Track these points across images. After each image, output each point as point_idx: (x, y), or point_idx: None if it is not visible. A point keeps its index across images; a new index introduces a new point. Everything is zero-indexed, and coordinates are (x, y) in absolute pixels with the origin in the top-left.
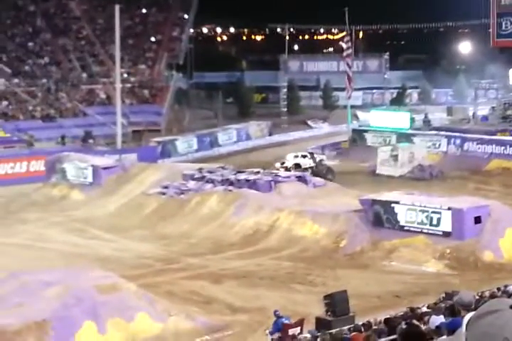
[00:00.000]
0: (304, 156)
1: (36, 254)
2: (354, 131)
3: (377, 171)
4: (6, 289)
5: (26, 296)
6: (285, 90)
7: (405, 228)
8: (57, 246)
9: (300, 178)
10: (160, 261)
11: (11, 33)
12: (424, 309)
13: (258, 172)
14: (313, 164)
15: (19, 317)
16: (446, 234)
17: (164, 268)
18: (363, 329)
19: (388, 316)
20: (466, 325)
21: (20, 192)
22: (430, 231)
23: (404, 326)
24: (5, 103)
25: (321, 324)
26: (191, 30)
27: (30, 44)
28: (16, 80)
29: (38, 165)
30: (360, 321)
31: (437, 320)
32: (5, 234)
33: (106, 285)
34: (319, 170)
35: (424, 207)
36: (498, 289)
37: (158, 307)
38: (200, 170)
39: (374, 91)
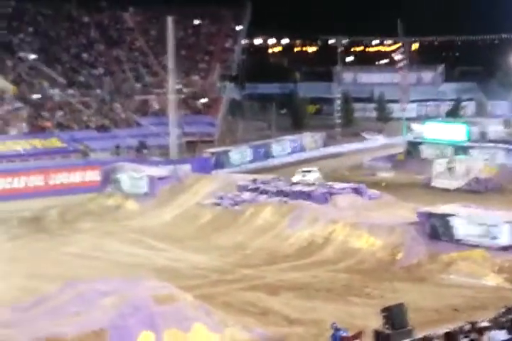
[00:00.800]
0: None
1: (91, 264)
2: (409, 143)
3: (433, 184)
4: (63, 298)
5: (83, 305)
6: (339, 102)
7: (463, 241)
8: (112, 256)
9: (355, 190)
10: (215, 272)
11: (65, 44)
12: (485, 323)
13: (313, 184)
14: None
15: (76, 326)
16: (505, 248)
17: (219, 279)
18: None
19: (448, 330)
20: None
21: (76, 201)
22: (488, 245)
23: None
24: (60, 113)
25: (379, 337)
26: (244, 42)
27: (85, 55)
28: (70, 91)
29: (93, 175)
30: (418, 335)
31: (499, 335)
32: (61, 244)
33: (162, 295)
34: None
35: (482, 220)
36: None
37: (215, 318)
38: (254, 181)
39: (428, 103)
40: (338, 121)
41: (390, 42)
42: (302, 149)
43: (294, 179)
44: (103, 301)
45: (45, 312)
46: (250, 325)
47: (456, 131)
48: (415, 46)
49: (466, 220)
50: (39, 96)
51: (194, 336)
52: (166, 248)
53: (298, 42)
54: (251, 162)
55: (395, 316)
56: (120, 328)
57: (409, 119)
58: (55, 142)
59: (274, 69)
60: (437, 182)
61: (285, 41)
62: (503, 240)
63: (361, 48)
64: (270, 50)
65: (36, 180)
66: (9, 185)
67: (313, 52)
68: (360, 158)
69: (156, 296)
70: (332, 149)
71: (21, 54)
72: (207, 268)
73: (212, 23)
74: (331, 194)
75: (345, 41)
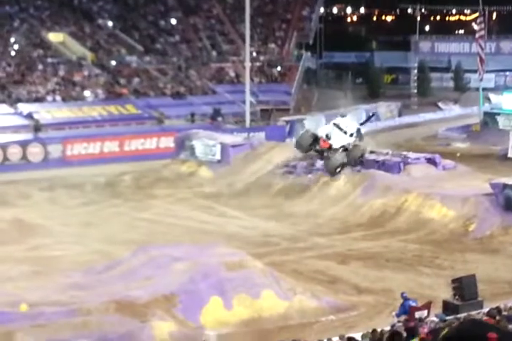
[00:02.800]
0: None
1: (164, 229)
2: (486, 113)
3: (509, 155)
4: (135, 263)
5: (154, 270)
6: (415, 71)
7: None
8: (185, 222)
9: (430, 160)
10: (286, 240)
11: (143, 12)
12: None
13: (387, 154)
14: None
15: (148, 290)
16: None
17: (290, 246)
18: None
19: None
20: None
21: (150, 168)
22: None
23: None
24: (136, 80)
25: (448, 308)
26: (321, 10)
27: (162, 22)
28: (147, 58)
29: (168, 142)
30: (488, 306)
31: None
32: (134, 209)
33: (233, 261)
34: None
35: None
36: None
37: (284, 285)
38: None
39: (507, 73)
40: (414, 90)
41: (468, 11)
42: (377, 118)
43: (322, 131)
44: (174, 266)
45: (117, 275)
46: (319, 294)
47: None
48: (494, 15)
49: None
50: (116, 63)
51: (263, 302)
52: (238, 215)
53: (376, 11)
54: None
55: (465, 287)
56: (190, 293)
57: (486, 90)
58: (130, 108)
59: (351, 39)
60: None
61: (363, 10)
62: None
63: (439, 17)
64: (348, 19)
65: (111, 146)
66: (85, 151)
67: (391, 22)
68: (436, 128)
69: (226, 262)
70: (407, 119)
71: (100, 21)
72: (278, 236)
73: None
74: (405, 163)
75: (423, 10)
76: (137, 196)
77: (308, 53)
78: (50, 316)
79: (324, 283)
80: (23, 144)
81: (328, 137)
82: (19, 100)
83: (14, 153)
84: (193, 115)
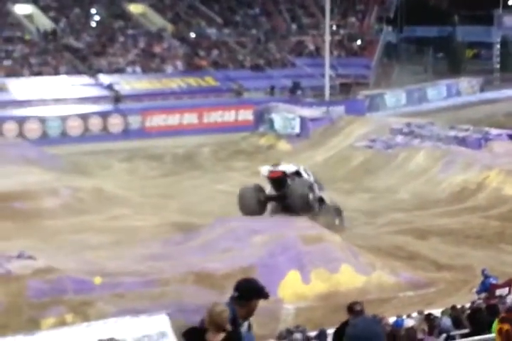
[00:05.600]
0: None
1: None
2: None
3: None
4: (214, 234)
5: (233, 242)
6: (498, 46)
7: None
8: None
9: (511, 137)
10: (365, 215)
11: None
12: None
13: (468, 130)
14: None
15: (226, 262)
16: None
17: (369, 221)
18: None
19: None
20: None
21: (229, 140)
22: None
23: None
24: (216, 52)
25: None
26: None
27: None
28: (226, 30)
29: (246, 115)
30: None
31: None
32: (213, 181)
33: (311, 235)
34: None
35: None
36: None
37: (362, 260)
38: (408, 124)
39: None
40: (497, 66)
41: None
42: (458, 94)
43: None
44: (253, 239)
45: (195, 247)
46: (397, 269)
47: None
48: None
49: None
50: (196, 35)
51: (341, 277)
52: None
53: None
54: (405, 105)
55: None
56: (269, 266)
57: None
58: (209, 81)
59: (433, 12)
60: None
61: None
62: None
63: None
64: None
65: (190, 118)
66: (164, 122)
67: None
68: None
69: (305, 236)
70: (489, 95)
71: None
72: (357, 211)
73: None
74: (486, 140)
75: None
76: (216, 168)
77: (389, 27)
78: (129, 286)
79: (403, 258)
80: (104, 115)
81: (276, 166)
82: (99, 71)
83: (94, 123)
84: (272, 88)
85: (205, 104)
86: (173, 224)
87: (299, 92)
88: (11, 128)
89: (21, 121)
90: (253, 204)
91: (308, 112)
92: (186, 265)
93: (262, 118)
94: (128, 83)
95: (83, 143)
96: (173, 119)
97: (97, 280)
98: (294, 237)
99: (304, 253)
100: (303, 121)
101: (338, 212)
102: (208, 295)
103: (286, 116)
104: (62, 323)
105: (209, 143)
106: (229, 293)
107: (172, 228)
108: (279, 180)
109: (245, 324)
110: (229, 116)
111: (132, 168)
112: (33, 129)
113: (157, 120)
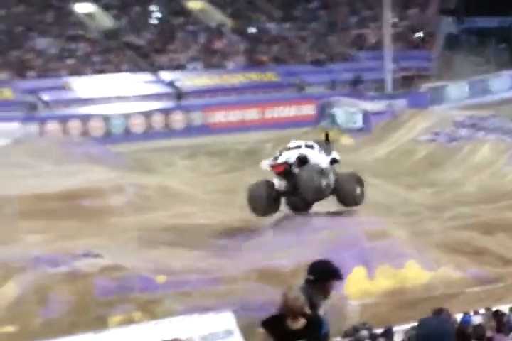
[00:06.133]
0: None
1: None
2: None
3: None
4: (278, 231)
5: (297, 238)
6: None
7: None
8: None
9: None
10: (429, 209)
11: None
12: None
13: None
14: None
15: (291, 258)
16: None
17: (433, 216)
18: None
19: None
20: None
21: (291, 135)
22: None
23: None
24: (276, 47)
25: None
26: None
27: None
28: (286, 25)
29: (308, 109)
30: None
31: None
32: None
33: (376, 231)
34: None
35: None
36: None
37: (428, 255)
38: (471, 117)
39: None
40: None
41: None
42: None
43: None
44: (317, 235)
45: (260, 244)
46: (464, 265)
47: None
48: None
49: None
50: (256, 30)
51: (406, 273)
52: (380, 183)
53: None
54: (468, 97)
55: None
56: (333, 262)
57: None
58: (270, 76)
59: (494, 3)
60: None
61: None
62: None
63: None
64: None
65: (252, 114)
66: (225, 118)
67: None
68: None
69: (369, 232)
70: None
71: None
72: (421, 205)
73: None
74: None
75: None
76: None
77: (450, 18)
78: (195, 284)
79: (469, 254)
80: (166, 112)
81: (275, 159)
82: (161, 68)
83: (157, 121)
84: (333, 82)
85: (266, 99)
86: (237, 220)
87: (360, 86)
88: (75, 126)
89: (85, 119)
90: (265, 202)
91: (370, 106)
92: (251, 262)
93: (323, 112)
94: (189, 79)
95: (146, 140)
96: (234, 115)
97: (160, 278)
98: (358, 233)
99: (368, 249)
100: (365, 115)
101: (359, 181)
102: (273, 292)
103: (348, 111)
104: (129, 321)
105: (271, 138)
106: None
107: (236, 224)
108: (284, 173)
109: (323, 307)
110: (291, 111)
111: (195, 165)
112: (96, 127)
113: (219, 116)
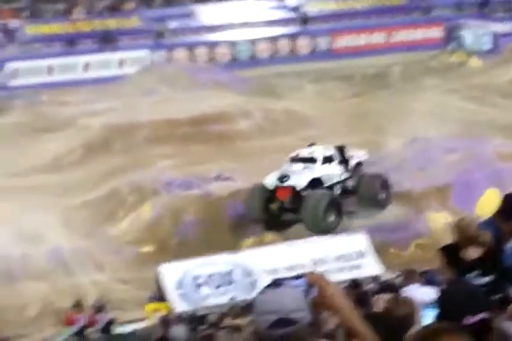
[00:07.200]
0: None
1: (435, 121)
2: None
3: None
4: (408, 154)
5: (428, 161)
6: None
7: None
8: (456, 114)
9: None
10: None
11: None
12: None
13: None
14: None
15: (421, 181)
16: None
17: None
18: None
19: None
20: None
21: (418, 59)
22: None
23: None
24: None
25: None
26: None
27: None
28: None
29: (435, 33)
30: None
31: None
32: (404, 100)
33: (508, 152)
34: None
35: None
36: None
37: None
38: None
39: None
40: None
41: None
42: None
43: (270, 178)
44: (448, 157)
45: (390, 167)
46: None
47: None
48: None
49: None
50: None
51: None
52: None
53: None
54: None
55: None
56: (465, 184)
57: None
58: None
59: None
60: None
61: None
62: None
63: None
64: None
65: (378, 38)
66: (352, 43)
67: None
68: None
69: (501, 153)
70: None
71: None
72: None
73: None
74: None
75: None
76: (406, 87)
77: None
78: None
79: None
80: (292, 37)
81: (283, 179)
82: None
83: (283, 46)
84: (460, 4)
85: (393, 22)
86: (366, 143)
87: (488, 8)
88: (202, 53)
89: (212, 46)
90: (262, 214)
91: (499, 28)
92: None
93: (451, 35)
94: (314, 4)
95: (272, 65)
96: (361, 39)
97: None
98: (490, 154)
99: (501, 170)
100: (494, 36)
101: (384, 184)
102: (404, 214)
103: (476, 33)
104: (261, 243)
105: (398, 62)
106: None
107: (366, 148)
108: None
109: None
110: (417, 34)
111: (321, 89)
112: (223, 54)
113: (345, 40)
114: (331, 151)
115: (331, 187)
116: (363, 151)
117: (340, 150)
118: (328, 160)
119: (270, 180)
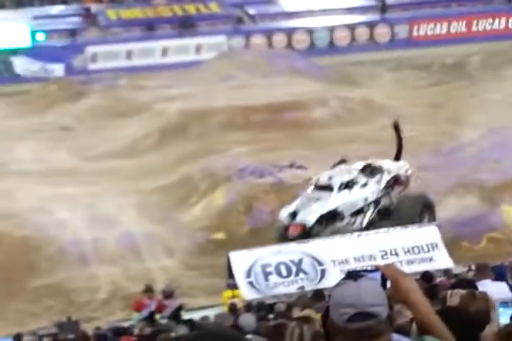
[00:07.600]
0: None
1: None
2: None
3: None
4: (484, 145)
5: (504, 153)
6: None
7: None
8: None
9: None
10: None
11: None
12: None
13: None
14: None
15: (497, 173)
16: None
17: None
18: None
19: None
20: None
21: (499, 48)
22: None
23: None
24: None
25: None
26: None
27: None
28: None
29: None
30: None
31: None
32: (483, 90)
33: None
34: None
35: None
36: None
37: None
38: None
39: None
40: None
41: None
42: None
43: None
44: None
45: (465, 158)
46: None
47: None
48: None
49: None
50: None
51: None
52: None
53: None
54: None
55: None
56: None
57: None
58: None
59: None
60: None
61: None
62: None
63: None
64: None
65: (459, 26)
66: (431, 31)
67: None
68: None
69: None
70: None
71: None
72: None
73: None
74: None
75: None
76: (486, 77)
77: None
78: None
79: None
80: (370, 25)
81: (292, 215)
82: None
83: (361, 34)
84: None
85: (474, 11)
86: (442, 133)
87: None
88: (279, 39)
89: (290, 32)
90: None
91: None
92: (456, 176)
93: None
94: None
95: (350, 53)
96: (440, 28)
97: None
98: None
99: None
100: None
101: (427, 206)
102: (477, 207)
103: None
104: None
105: (478, 51)
106: (499, 204)
107: (441, 138)
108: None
109: None
110: (499, 23)
111: (400, 78)
112: (301, 40)
113: (424, 29)
114: (351, 175)
115: (360, 211)
116: (402, 162)
117: (367, 168)
118: (347, 185)
119: (282, 216)
